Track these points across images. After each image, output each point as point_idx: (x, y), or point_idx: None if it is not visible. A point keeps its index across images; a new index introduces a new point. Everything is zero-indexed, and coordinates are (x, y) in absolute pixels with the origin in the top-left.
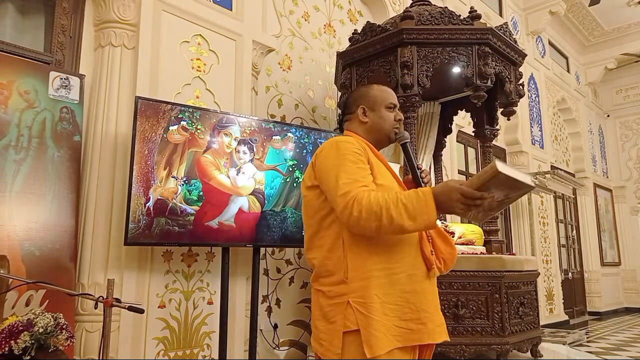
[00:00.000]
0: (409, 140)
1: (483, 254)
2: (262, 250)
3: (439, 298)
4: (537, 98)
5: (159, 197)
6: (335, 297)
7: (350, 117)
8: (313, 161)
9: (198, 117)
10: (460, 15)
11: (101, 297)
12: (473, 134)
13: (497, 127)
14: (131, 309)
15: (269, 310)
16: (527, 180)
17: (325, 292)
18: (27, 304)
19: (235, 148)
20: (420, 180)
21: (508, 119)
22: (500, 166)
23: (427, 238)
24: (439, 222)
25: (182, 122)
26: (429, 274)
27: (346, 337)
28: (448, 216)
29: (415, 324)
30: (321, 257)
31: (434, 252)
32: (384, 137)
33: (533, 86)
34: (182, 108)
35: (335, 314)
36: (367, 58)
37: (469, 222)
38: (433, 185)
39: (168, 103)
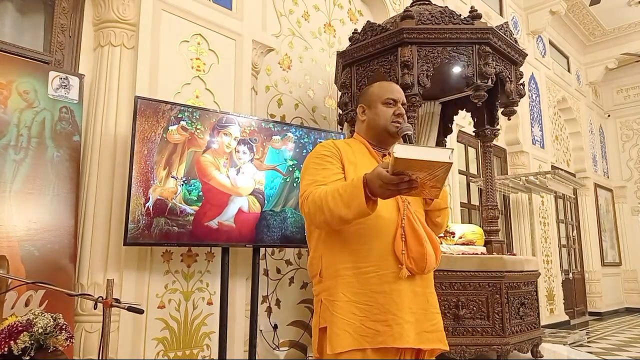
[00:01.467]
0: (410, 132)
1: (483, 254)
2: (262, 250)
3: (440, 298)
4: (537, 98)
5: (159, 197)
6: (317, 295)
7: (356, 117)
8: None
9: (198, 116)
10: (460, 15)
11: (100, 298)
12: (473, 134)
13: (498, 127)
14: (130, 309)
15: (269, 310)
16: (439, 157)
17: (313, 290)
18: (26, 304)
19: (235, 148)
20: None
21: (508, 119)
22: (401, 151)
23: (400, 237)
24: None
25: (182, 122)
26: (399, 275)
27: (321, 333)
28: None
29: (381, 325)
30: (310, 258)
31: (405, 252)
32: (383, 132)
33: (534, 86)
34: (182, 108)
35: (316, 310)
36: (367, 57)
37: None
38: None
39: (167, 103)
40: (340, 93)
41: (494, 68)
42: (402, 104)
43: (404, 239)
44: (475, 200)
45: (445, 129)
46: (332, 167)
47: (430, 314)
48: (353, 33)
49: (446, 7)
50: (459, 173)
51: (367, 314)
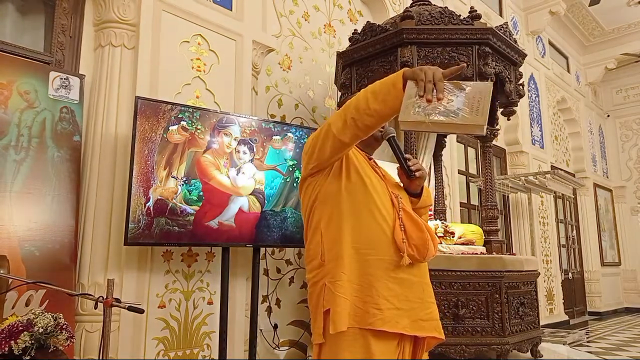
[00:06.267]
0: (393, 134)
1: (483, 254)
2: (262, 250)
3: (439, 298)
4: (537, 98)
5: (159, 197)
6: (318, 281)
7: None
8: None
9: (198, 117)
10: (460, 15)
11: (101, 297)
12: (473, 134)
13: (497, 127)
14: (131, 309)
15: (269, 310)
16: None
17: (311, 278)
18: (27, 304)
19: (235, 148)
20: (408, 168)
21: (508, 119)
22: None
23: (399, 226)
24: (439, 222)
25: (182, 122)
26: (401, 262)
27: (326, 317)
28: (448, 216)
29: (372, 307)
30: (307, 246)
31: (405, 240)
32: (369, 137)
33: (533, 86)
34: (182, 108)
35: (318, 296)
36: (367, 58)
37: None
38: (426, 178)
39: (168, 103)
40: (340, 93)
41: (494, 68)
42: None
43: (402, 228)
44: (474, 200)
45: None
46: None
47: (426, 303)
48: (353, 33)
49: (446, 7)
50: (459, 173)
51: (359, 295)
